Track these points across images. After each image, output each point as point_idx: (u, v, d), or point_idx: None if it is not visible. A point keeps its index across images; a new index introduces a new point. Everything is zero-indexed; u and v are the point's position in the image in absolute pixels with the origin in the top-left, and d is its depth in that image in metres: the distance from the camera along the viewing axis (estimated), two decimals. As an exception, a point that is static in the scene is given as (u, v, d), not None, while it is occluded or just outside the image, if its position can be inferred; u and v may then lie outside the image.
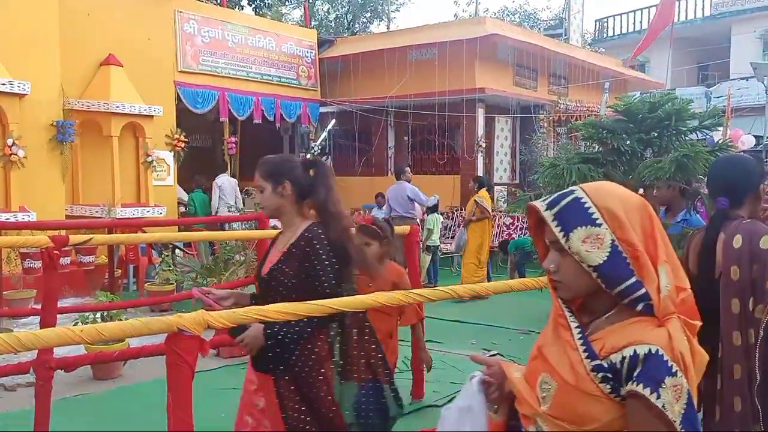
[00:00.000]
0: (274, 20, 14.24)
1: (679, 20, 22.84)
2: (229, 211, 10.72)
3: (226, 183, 11.32)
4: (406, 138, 14.18)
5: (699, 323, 1.47)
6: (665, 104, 3.28)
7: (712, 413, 2.33)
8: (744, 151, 15.21)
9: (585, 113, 12.57)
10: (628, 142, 3.35)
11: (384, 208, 10.16)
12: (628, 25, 26.35)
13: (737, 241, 2.30)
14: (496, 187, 13.37)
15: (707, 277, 2.35)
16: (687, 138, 3.41)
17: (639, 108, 3.29)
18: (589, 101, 13.85)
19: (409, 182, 10.11)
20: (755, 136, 16.76)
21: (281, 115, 12.79)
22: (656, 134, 3.35)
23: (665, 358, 1.32)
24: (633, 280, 1.37)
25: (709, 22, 23.47)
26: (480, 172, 12.97)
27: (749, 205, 2.45)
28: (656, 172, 3.08)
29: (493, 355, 6.42)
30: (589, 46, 24.89)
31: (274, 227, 11.06)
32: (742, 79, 20.58)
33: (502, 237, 10.86)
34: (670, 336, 1.34)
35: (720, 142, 3.36)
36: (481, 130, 13.07)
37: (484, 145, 13.13)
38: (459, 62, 12.12)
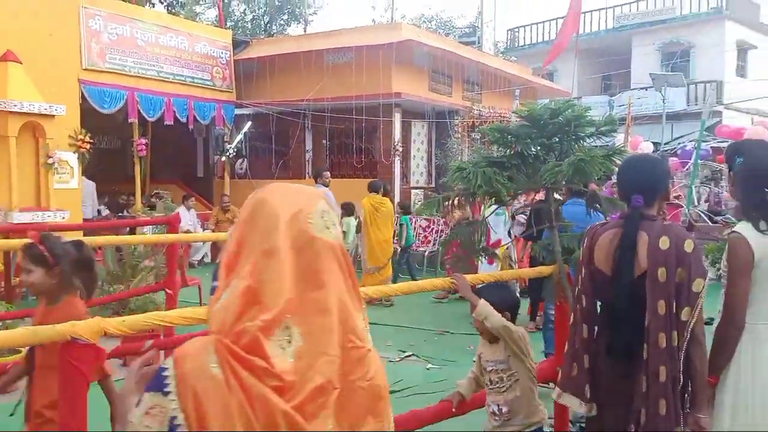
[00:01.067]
0: (187, 19, 13.86)
1: (584, 32, 24.00)
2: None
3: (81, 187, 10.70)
4: (324, 141, 14.16)
5: (259, 363, 1.13)
6: (565, 111, 3.43)
7: (631, 410, 2.33)
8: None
9: (498, 119, 12.96)
10: (532, 146, 3.48)
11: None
12: (537, 35, 27.44)
13: (664, 243, 2.29)
14: (413, 191, 13.58)
15: (627, 277, 2.35)
16: (585, 143, 3.57)
17: (541, 114, 3.42)
18: (502, 107, 14.30)
19: (326, 186, 10.09)
20: (653, 143, 17.84)
21: (195, 116, 12.47)
22: (557, 139, 3.49)
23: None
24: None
25: (612, 34, 24.78)
26: (397, 176, 13.14)
27: (659, 204, 2.49)
28: (556, 175, 3.22)
29: (409, 356, 6.55)
30: (501, 55, 25.73)
31: (188, 231, 10.78)
32: (642, 88, 21.86)
33: (419, 240, 11.01)
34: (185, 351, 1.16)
35: (615, 146, 3.55)
36: (398, 134, 13.23)
37: (401, 149, 13.30)
38: (376, 67, 12.23)
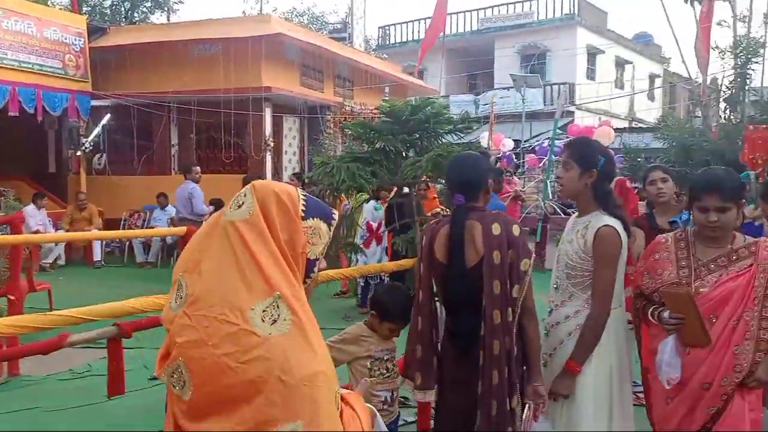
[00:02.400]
0: (36, 3, 12.75)
1: (451, 33, 24.92)
2: None
3: None
4: (191, 135, 13.60)
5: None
6: (425, 108, 3.54)
7: (475, 388, 2.49)
8: (503, 152, 17.13)
9: (369, 115, 13.13)
10: (394, 142, 3.55)
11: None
12: (408, 33, 28.12)
13: (496, 229, 2.51)
14: (285, 186, 13.38)
15: (460, 267, 2.55)
16: (446, 140, 3.71)
17: (402, 111, 3.51)
18: (373, 104, 14.50)
19: (196, 182, 9.71)
20: (514, 140, 18.92)
21: (44, 107, 11.51)
22: (418, 135, 3.60)
23: None
24: None
25: (477, 36, 25.94)
26: (269, 171, 12.92)
27: (483, 198, 2.68)
28: (415, 171, 3.31)
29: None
30: (374, 52, 26.10)
31: (37, 232, 9.93)
32: (504, 88, 23.07)
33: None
34: None
35: (471, 142, 3.72)
36: (269, 129, 13.01)
37: (272, 144, 13.09)
38: (244, 60, 11.93)
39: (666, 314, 2.57)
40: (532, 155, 18.33)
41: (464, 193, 2.60)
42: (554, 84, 23.09)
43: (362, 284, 7.58)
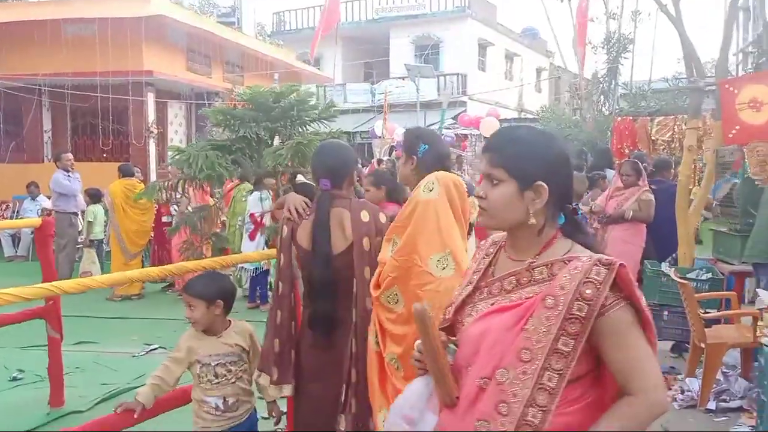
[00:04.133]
0: None
1: (347, 20, 24.85)
2: None
3: None
4: (66, 121, 12.77)
5: None
6: (289, 95, 3.49)
7: (342, 375, 2.50)
8: (397, 141, 17.32)
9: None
10: (257, 130, 3.48)
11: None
12: (303, 20, 27.73)
13: (365, 216, 2.56)
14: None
15: (325, 253, 2.54)
16: (313, 128, 3.67)
17: (266, 98, 3.44)
18: (263, 91, 14.21)
19: (67, 170, 9.11)
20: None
21: None
22: (282, 123, 3.54)
23: None
24: None
25: (372, 24, 25.97)
26: (152, 160, 12.38)
27: (347, 186, 2.70)
28: (277, 159, 3.26)
29: (155, 348, 6.23)
30: (268, 38, 25.57)
31: None
32: (400, 78, 23.31)
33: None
34: None
35: (333, 131, 3.71)
36: (152, 116, 12.45)
37: (156, 131, 12.54)
38: (123, 41, 11.32)
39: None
40: (425, 144, 18.61)
41: (329, 179, 2.60)
42: (447, 74, 23.58)
43: (251, 278, 7.45)
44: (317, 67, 23.34)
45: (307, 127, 3.63)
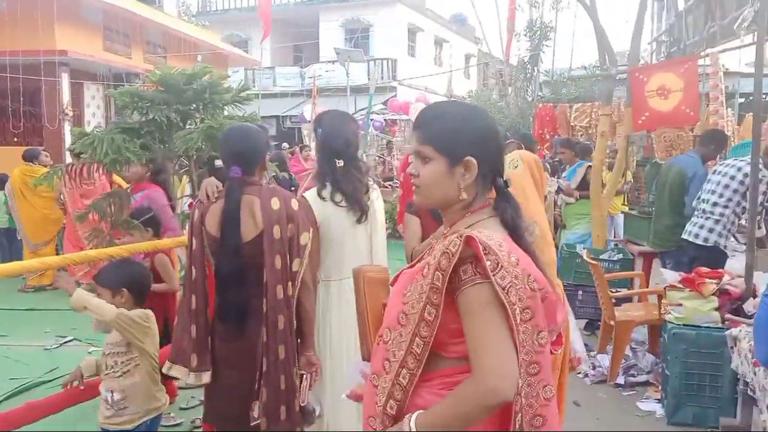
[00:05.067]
0: None
1: (275, 2, 24.38)
2: None
3: None
4: (-28, 102, 12.01)
5: None
6: (202, 77, 3.38)
7: (255, 364, 2.46)
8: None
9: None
10: (168, 113, 3.36)
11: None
12: (230, 1, 27.02)
13: (275, 204, 2.48)
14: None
15: (235, 241, 2.47)
16: (229, 112, 3.58)
17: (177, 79, 3.32)
18: (187, 73, 13.78)
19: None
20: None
21: None
22: (194, 107, 3.43)
23: None
24: None
25: (301, 7, 25.59)
26: (67, 143, 11.81)
27: (259, 173, 2.63)
28: (187, 143, 3.16)
29: (69, 341, 5.98)
30: (194, 18, 24.78)
31: None
32: (330, 62, 23.10)
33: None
34: None
35: (247, 115, 3.63)
36: (66, 97, 11.86)
37: (71, 113, 11.96)
38: (33, 19, 10.71)
39: None
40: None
41: (240, 166, 2.52)
42: (377, 59, 23.55)
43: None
44: (245, 50, 22.85)
45: (223, 110, 3.53)
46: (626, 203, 6.90)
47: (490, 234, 1.35)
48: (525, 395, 1.30)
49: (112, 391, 2.59)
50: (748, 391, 3.21)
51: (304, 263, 2.51)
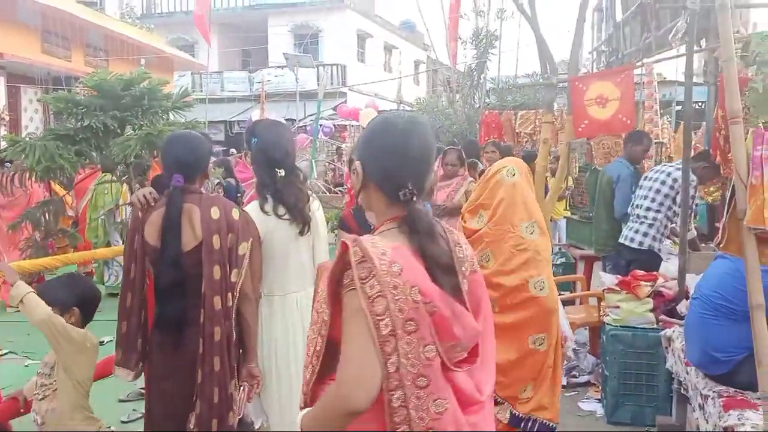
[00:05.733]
0: None
1: (222, 6, 24.08)
2: None
3: None
4: None
5: None
6: (140, 83, 3.30)
7: (193, 375, 2.41)
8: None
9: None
10: (104, 119, 3.27)
11: None
12: (176, 3, 26.54)
13: (215, 213, 2.45)
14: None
15: (175, 251, 2.43)
16: (171, 118, 3.51)
17: (113, 85, 3.24)
18: (130, 77, 13.46)
19: None
20: (289, 119, 18.94)
21: None
22: (132, 113, 3.35)
23: None
24: None
25: (249, 11, 25.34)
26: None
27: (200, 181, 2.60)
28: (125, 150, 3.09)
29: (4, 354, 5.73)
30: (138, 21, 24.23)
31: None
32: (279, 67, 22.93)
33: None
34: None
35: (189, 122, 3.57)
36: (2, 101, 11.42)
37: (7, 118, 11.53)
38: (-35, 19, 10.29)
39: None
40: (305, 135, 18.53)
41: (183, 174, 2.48)
42: (327, 65, 23.51)
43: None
44: (191, 53, 22.46)
45: (163, 117, 3.46)
46: (568, 208, 7.07)
47: (377, 242, 1.33)
48: (414, 408, 1.28)
49: (36, 413, 2.49)
50: (682, 390, 3.33)
51: (242, 274, 2.49)
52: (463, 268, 1.45)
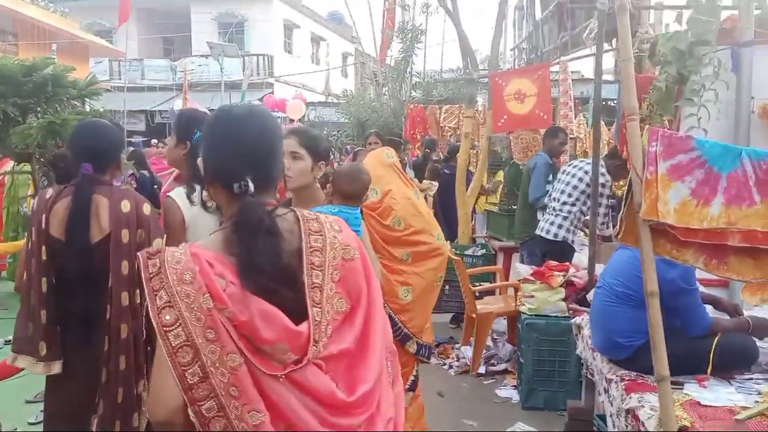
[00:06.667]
0: None
1: (142, -9, 23.18)
2: None
3: None
4: None
5: None
6: (43, 69, 3.14)
7: (98, 375, 2.34)
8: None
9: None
10: (4, 106, 3.09)
11: None
12: (93, -13, 25.34)
13: (125, 206, 2.37)
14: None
15: (81, 243, 2.35)
16: (78, 106, 3.35)
17: (14, 71, 3.06)
18: (42, 63, 12.77)
19: None
20: (212, 110, 18.50)
21: None
22: (35, 100, 3.18)
23: None
24: None
25: (171, -3, 24.50)
26: None
27: (112, 173, 2.52)
28: (26, 139, 2.93)
29: None
30: (52, 5, 23.01)
31: None
32: (203, 56, 22.32)
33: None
34: None
35: (92, 110, 3.43)
36: None
37: None
38: None
39: None
40: (229, 126, 18.12)
41: (92, 163, 2.40)
42: (253, 55, 23.09)
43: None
44: (109, 40, 21.56)
45: (70, 105, 3.30)
46: (494, 202, 7.21)
47: (178, 251, 1.30)
48: (235, 418, 1.23)
49: None
50: (589, 375, 3.48)
51: None
52: (327, 258, 1.36)
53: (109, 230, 2.35)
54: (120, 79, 20.35)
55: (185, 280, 1.24)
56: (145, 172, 5.98)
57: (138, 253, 1.32)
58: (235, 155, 1.36)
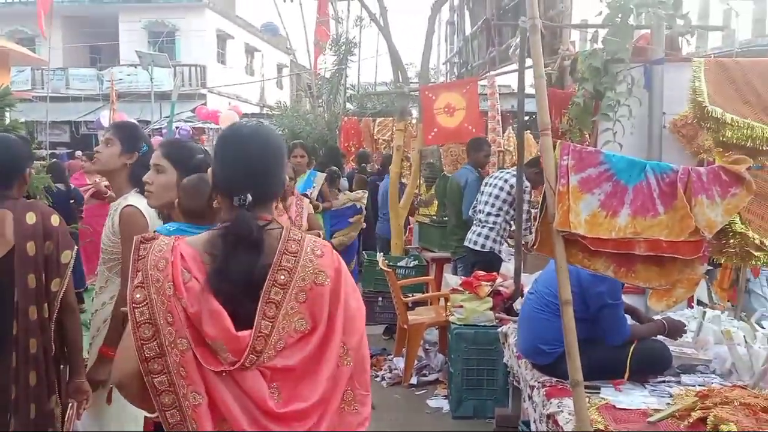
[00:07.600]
0: None
1: (67, -2, 22.40)
2: None
3: None
4: None
5: None
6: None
7: (8, 392, 2.27)
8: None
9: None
10: None
11: None
12: (12, -8, 24.33)
13: (31, 218, 2.33)
14: None
15: None
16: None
17: None
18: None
19: None
20: (145, 121, 17.98)
21: None
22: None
23: None
24: None
25: (96, 5, 23.77)
26: None
27: (18, 188, 2.46)
28: None
29: None
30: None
31: None
32: (132, 65, 21.69)
33: None
34: None
35: (12, 121, 3.28)
36: None
37: None
38: None
39: None
40: (160, 137, 17.70)
41: None
42: (184, 65, 22.64)
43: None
44: (32, 48, 20.67)
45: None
46: (428, 214, 7.27)
47: (164, 240, 1.48)
48: (183, 396, 1.40)
49: None
50: (515, 383, 3.57)
51: (65, 283, 2.39)
52: (295, 279, 1.45)
53: (13, 243, 2.30)
54: (42, 88, 19.55)
55: (159, 267, 1.42)
56: (61, 186, 5.77)
57: (135, 237, 1.49)
58: (237, 172, 1.52)
